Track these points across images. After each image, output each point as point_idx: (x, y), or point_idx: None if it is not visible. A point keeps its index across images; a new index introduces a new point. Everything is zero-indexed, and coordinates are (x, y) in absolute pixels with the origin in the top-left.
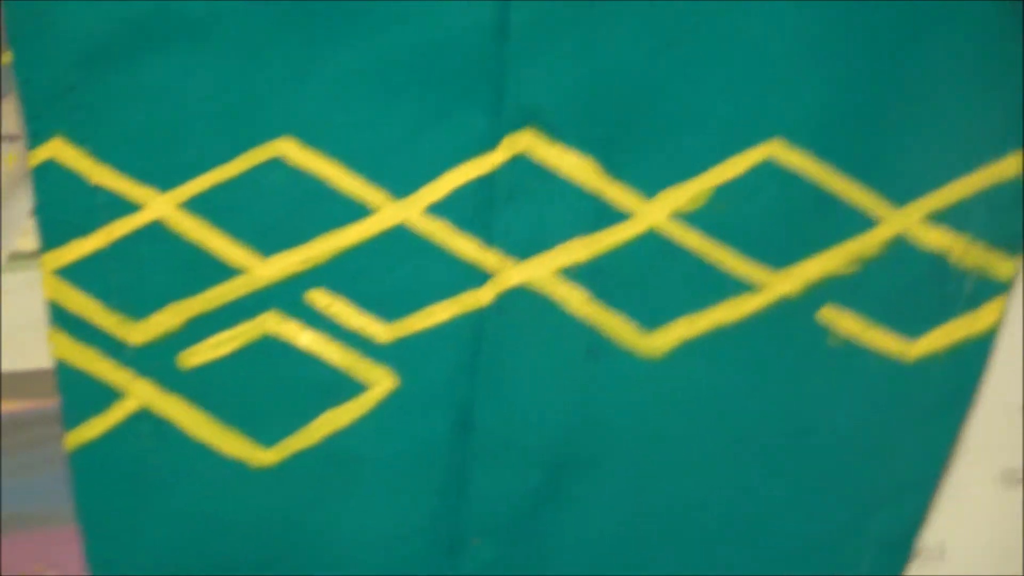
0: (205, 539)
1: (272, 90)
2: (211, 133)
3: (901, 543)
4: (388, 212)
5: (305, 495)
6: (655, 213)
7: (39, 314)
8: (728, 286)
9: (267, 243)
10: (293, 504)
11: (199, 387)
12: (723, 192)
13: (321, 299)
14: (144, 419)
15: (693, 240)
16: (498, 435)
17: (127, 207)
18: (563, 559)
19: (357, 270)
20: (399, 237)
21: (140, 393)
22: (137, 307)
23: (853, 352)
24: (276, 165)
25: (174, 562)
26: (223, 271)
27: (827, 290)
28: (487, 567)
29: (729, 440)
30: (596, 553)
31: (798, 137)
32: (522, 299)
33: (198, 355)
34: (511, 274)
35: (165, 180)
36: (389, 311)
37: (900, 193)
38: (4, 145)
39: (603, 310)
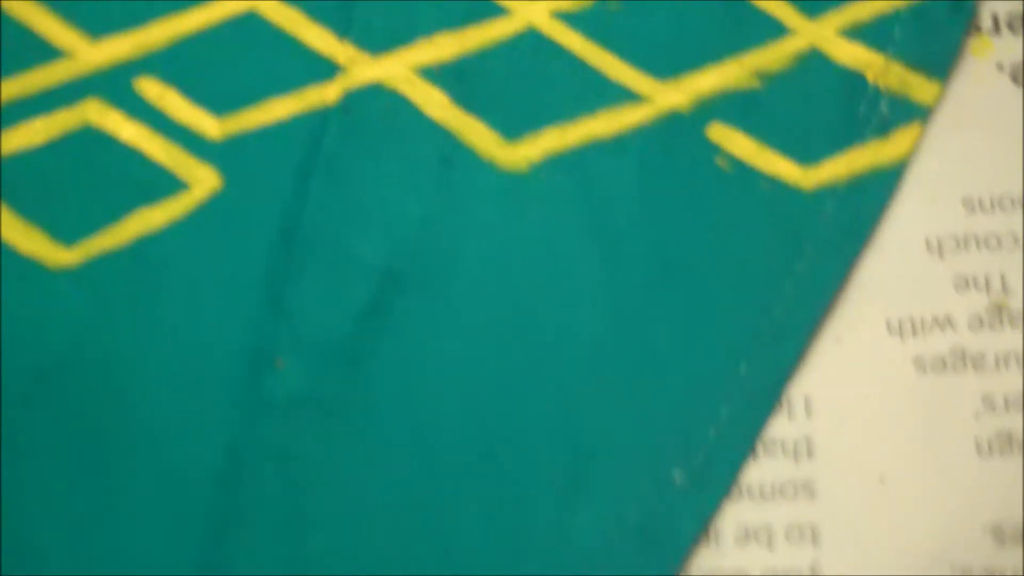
0: None
1: None
2: None
3: (766, 392)
4: None
5: (107, 301)
6: (536, 9)
7: None
8: (608, 95)
9: (97, 24)
10: (93, 310)
11: (5, 179)
12: None
13: (152, 89)
14: None
15: (575, 42)
16: (326, 246)
17: (52, 52)
18: (385, 389)
19: (196, 59)
20: (246, 25)
21: None
22: None
23: (743, 175)
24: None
25: None
26: (46, 52)
27: (722, 106)
28: (294, 391)
29: (591, 267)
30: (425, 385)
31: None
32: (372, 98)
33: (10, 142)
34: (364, 69)
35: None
36: (224, 105)
37: (815, 3)
38: None
39: (464, 115)
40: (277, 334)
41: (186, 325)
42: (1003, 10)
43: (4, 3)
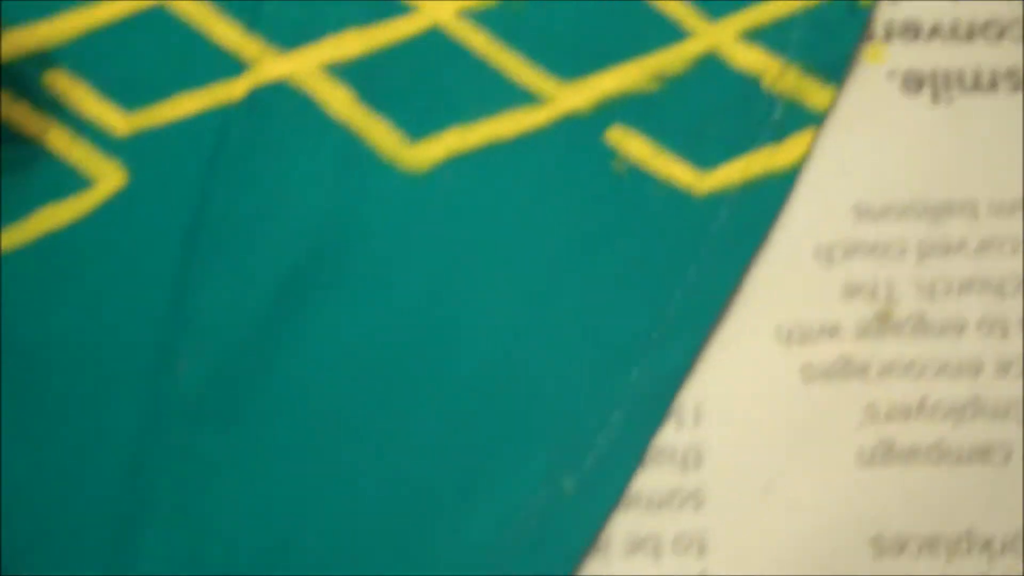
0: None
1: None
2: None
3: (656, 399)
4: None
5: (11, 299)
6: (443, 8)
7: None
8: (510, 96)
9: (7, 16)
10: None
11: None
12: None
13: (60, 82)
14: None
15: (479, 41)
16: (229, 244)
17: None
18: (286, 389)
19: (104, 53)
20: (154, 18)
21: None
22: None
23: (638, 180)
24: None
25: None
26: None
27: (620, 108)
28: (194, 391)
29: (489, 269)
30: (326, 385)
31: None
32: (278, 95)
33: None
34: (271, 66)
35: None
36: (131, 100)
37: (715, 5)
38: None
39: (368, 114)
40: (179, 335)
41: (90, 324)
42: (898, 17)
43: None
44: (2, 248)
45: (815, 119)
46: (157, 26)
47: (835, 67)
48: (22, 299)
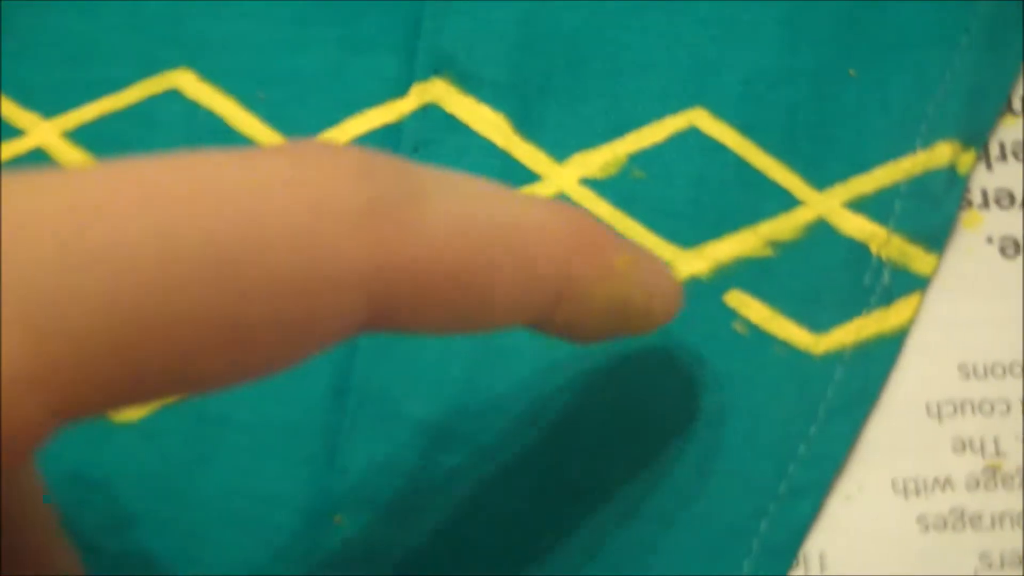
0: (68, 493)
1: (173, 15)
2: (104, 58)
3: (785, 548)
4: None
5: (168, 455)
6: (565, 177)
7: None
8: None
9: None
10: (155, 463)
11: None
12: (638, 160)
13: None
14: None
15: (603, 210)
16: (376, 404)
17: (9, 131)
18: (440, 542)
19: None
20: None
21: None
22: None
23: (760, 341)
24: (172, 98)
25: None
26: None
27: (738, 273)
28: (352, 546)
29: (618, 426)
30: (477, 537)
31: (722, 109)
32: None
33: None
34: None
35: (50, 105)
36: None
37: (823, 175)
38: None
39: None
40: (335, 490)
41: (246, 480)
42: (992, 185)
43: (61, 157)
44: (157, 406)
45: (920, 284)
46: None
47: (937, 236)
48: (180, 454)
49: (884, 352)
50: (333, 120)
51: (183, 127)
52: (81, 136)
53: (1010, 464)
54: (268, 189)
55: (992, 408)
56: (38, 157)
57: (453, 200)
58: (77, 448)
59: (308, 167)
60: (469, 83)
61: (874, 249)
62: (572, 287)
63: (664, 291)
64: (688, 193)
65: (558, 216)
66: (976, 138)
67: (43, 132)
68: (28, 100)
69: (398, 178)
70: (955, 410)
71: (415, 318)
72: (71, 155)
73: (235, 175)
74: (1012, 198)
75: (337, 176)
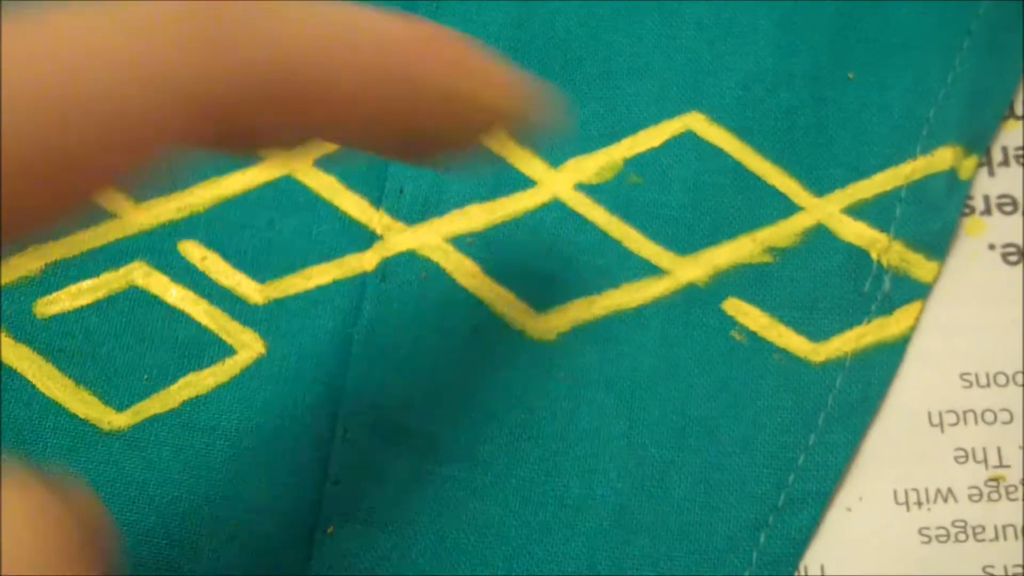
0: None
1: None
2: None
3: (784, 560)
4: (274, 163)
5: (155, 464)
6: (561, 182)
7: None
8: (631, 268)
9: (142, 188)
10: (141, 472)
11: (54, 339)
12: (634, 165)
13: (195, 252)
14: None
15: (599, 215)
16: (368, 413)
17: None
18: (429, 552)
19: (235, 223)
20: (283, 190)
21: None
22: None
23: (758, 349)
24: None
25: None
26: (92, 215)
27: (736, 280)
28: (344, 556)
29: (614, 434)
30: (467, 547)
31: (719, 113)
32: (408, 266)
33: (56, 304)
34: (399, 238)
35: None
36: (264, 270)
37: (822, 180)
38: None
39: (494, 285)
40: (328, 501)
41: (235, 489)
42: (994, 191)
43: None
44: (148, 412)
45: (921, 291)
46: (286, 199)
47: (938, 242)
48: (168, 462)
49: (885, 360)
50: None
51: None
52: None
53: (1013, 475)
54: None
55: (995, 417)
56: None
57: (285, 7)
58: (61, 456)
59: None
60: None
61: (874, 255)
62: (414, 85)
63: (497, 83)
64: (685, 198)
65: (395, 20)
66: (978, 143)
67: None
68: None
69: None
70: (957, 419)
71: (276, 130)
72: None
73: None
74: (1015, 204)
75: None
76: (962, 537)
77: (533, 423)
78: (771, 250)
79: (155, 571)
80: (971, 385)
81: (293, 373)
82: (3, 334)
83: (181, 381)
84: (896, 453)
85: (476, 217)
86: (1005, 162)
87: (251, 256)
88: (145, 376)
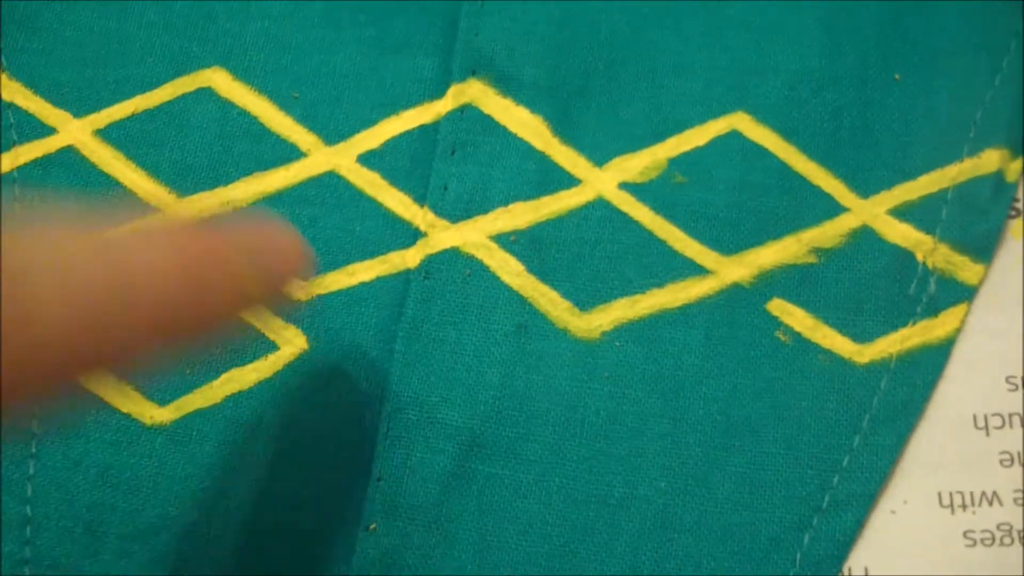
0: (96, 494)
1: (203, 14)
2: (134, 56)
3: (828, 562)
4: (318, 158)
5: (200, 458)
6: (605, 181)
7: None
8: (675, 268)
9: (185, 182)
10: (185, 468)
11: None
12: (679, 164)
13: None
14: None
15: (643, 214)
16: (411, 411)
17: (40, 130)
18: (472, 550)
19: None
20: (327, 186)
21: None
22: None
23: (803, 350)
24: (204, 97)
25: (64, 513)
26: (135, 207)
27: (781, 280)
28: (386, 553)
29: (661, 434)
30: (509, 545)
31: (764, 113)
32: (452, 263)
33: None
34: (443, 236)
35: (81, 104)
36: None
37: (867, 182)
38: None
39: (538, 283)
40: (369, 497)
41: (278, 486)
42: None
43: (91, 156)
44: (191, 407)
45: (967, 294)
46: (330, 194)
47: (984, 245)
48: (210, 457)
49: (930, 363)
50: (368, 121)
51: (216, 126)
52: (112, 134)
53: None
54: None
55: None
56: (69, 155)
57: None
58: (105, 451)
59: None
60: (507, 85)
61: (920, 257)
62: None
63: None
64: (730, 198)
65: (166, 251)
66: None
67: (74, 130)
68: (59, 98)
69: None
70: (1003, 423)
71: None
72: (102, 153)
73: None
74: None
75: None
76: (1007, 541)
77: (576, 422)
78: (816, 251)
79: (198, 567)
80: (1016, 388)
81: (336, 369)
82: None
83: (224, 376)
84: (941, 456)
85: (520, 215)
86: None
87: None
88: (187, 371)
